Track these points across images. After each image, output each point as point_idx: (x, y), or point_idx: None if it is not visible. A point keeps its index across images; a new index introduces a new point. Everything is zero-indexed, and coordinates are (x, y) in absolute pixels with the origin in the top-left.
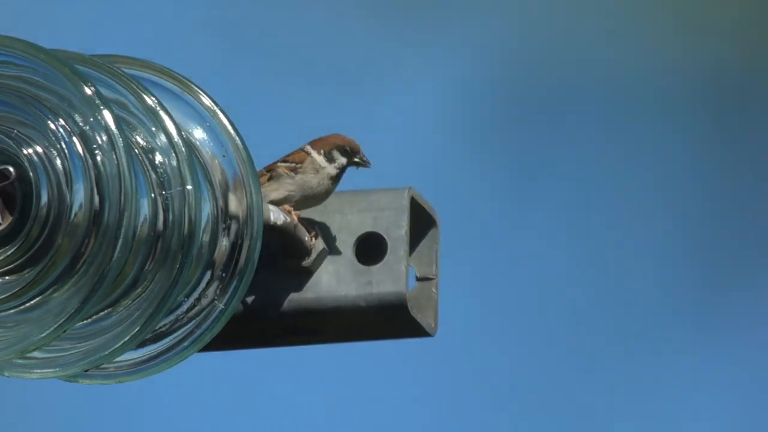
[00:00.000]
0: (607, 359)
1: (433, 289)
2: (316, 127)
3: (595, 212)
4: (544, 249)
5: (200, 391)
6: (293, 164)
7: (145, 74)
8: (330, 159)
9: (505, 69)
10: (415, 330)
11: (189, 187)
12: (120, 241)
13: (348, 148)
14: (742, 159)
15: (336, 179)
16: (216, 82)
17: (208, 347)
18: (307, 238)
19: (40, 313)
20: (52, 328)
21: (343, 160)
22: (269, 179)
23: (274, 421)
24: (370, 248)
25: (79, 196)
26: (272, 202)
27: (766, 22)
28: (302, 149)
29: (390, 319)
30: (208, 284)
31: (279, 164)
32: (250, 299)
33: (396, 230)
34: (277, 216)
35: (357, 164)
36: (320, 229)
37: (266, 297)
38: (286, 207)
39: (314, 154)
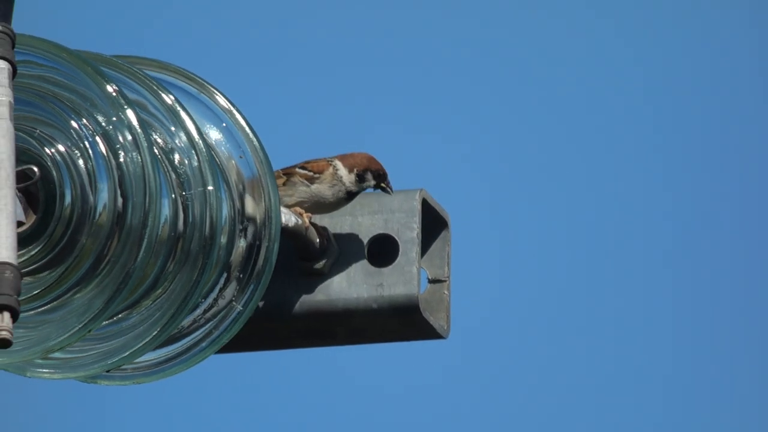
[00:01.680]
0: (616, 359)
1: (445, 291)
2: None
3: (608, 216)
4: (555, 251)
5: (212, 392)
6: (311, 173)
7: (161, 75)
8: (361, 179)
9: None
10: (427, 332)
11: (210, 187)
12: (145, 242)
13: (380, 173)
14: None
15: (353, 196)
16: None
17: (220, 349)
18: (318, 240)
19: (62, 313)
20: (77, 329)
21: (371, 183)
22: (284, 183)
23: (286, 421)
24: (382, 250)
25: (103, 197)
26: (284, 204)
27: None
28: (327, 160)
29: (402, 321)
30: (225, 285)
31: (297, 170)
32: (260, 302)
33: (407, 232)
34: (288, 218)
35: (382, 188)
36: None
37: (278, 299)
38: (298, 209)
39: (341, 169)
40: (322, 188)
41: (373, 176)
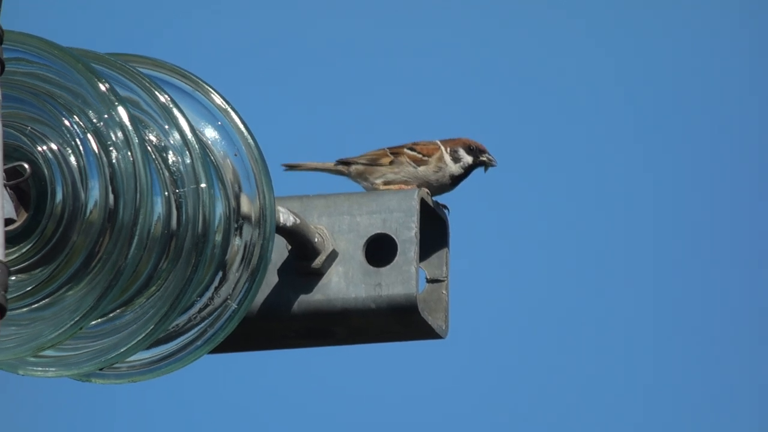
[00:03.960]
0: (615, 358)
1: (444, 291)
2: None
3: (607, 216)
4: (554, 250)
5: (211, 392)
6: (420, 155)
7: (157, 73)
8: (455, 158)
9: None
10: (426, 332)
11: (203, 185)
12: (135, 239)
13: (473, 147)
14: None
15: (457, 180)
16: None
17: (217, 349)
18: (316, 240)
19: (54, 311)
20: (68, 326)
21: (468, 159)
22: (391, 162)
23: (283, 422)
24: (380, 250)
25: (94, 194)
26: (387, 182)
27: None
28: (435, 144)
29: (400, 321)
30: (221, 284)
31: (405, 150)
32: (259, 302)
33: (406, 232)
34: (286, 217)
35: (483, 163)
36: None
37: (276, 299)
38: (399, 185)
39: (443, 151)
40: (428, 172)
41: (465, 151)
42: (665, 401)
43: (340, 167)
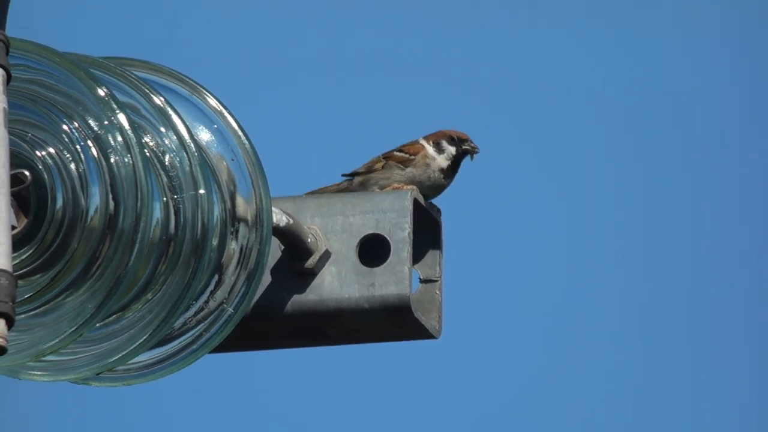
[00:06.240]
0: (611, 357)
1: (437, 291)
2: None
3: (600, 217)
4: (547, 251)
5: (202, 392)
6: (407, 155)
7: (152, 77)
8: (439, 150)
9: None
10: (419, 332)
11: (202, 191)
12: (136, 246)
13: (455, 137)
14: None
15: (448, 171)
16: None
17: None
18: (309, 240)
19: (54, 317)
20: (69, 333)
21: (451, 150)
22: (383, 167)
23: (275, 422)
24: (373, 250)
25: (95, 200)
26: (381, 188)
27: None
28: (418, 141)
29: (393, 322)
30: (216, 287)
31: (394, 153)
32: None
33: (399, 232)
34: (279, 218)
35: (467, 152)
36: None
37: (269, 299)
38: (395, 185)
39: (427, 147)
40: (417, 172)
41: (447, 142)
42: (663, 401)
43: (345, 183)
